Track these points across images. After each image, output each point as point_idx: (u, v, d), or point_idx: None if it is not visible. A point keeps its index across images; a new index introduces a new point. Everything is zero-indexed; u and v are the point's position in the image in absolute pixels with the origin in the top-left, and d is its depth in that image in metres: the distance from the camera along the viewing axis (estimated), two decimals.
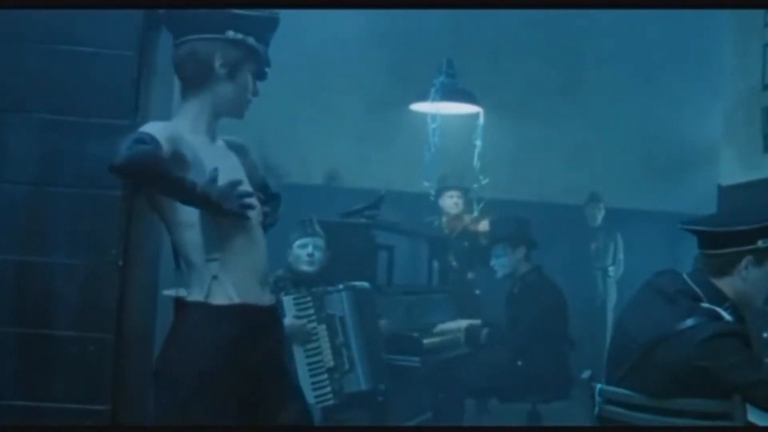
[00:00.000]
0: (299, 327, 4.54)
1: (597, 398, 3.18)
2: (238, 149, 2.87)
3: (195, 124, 2.72)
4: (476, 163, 6.11)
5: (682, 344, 2.97)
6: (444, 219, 6.31)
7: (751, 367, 2.97)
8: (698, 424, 2.95)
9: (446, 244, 6.18)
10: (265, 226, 2.87)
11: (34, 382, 2.65)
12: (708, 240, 3.17)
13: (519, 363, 5.20)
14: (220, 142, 2.82)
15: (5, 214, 2.64)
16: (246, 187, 2.67)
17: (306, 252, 4.76)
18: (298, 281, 4.74)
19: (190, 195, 2.51)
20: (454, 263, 6.16)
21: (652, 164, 7.65)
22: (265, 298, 2.78)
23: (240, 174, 2.74)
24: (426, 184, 6.04)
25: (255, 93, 2.82)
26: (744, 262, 3.12)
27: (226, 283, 2.68)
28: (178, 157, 2.56)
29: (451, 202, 6.30)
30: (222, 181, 2.55)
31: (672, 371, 2.98)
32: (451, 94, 5.99)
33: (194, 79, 2.68)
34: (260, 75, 2.82)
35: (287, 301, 4.53)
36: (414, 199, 6.15)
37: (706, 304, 3.06)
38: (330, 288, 4.67)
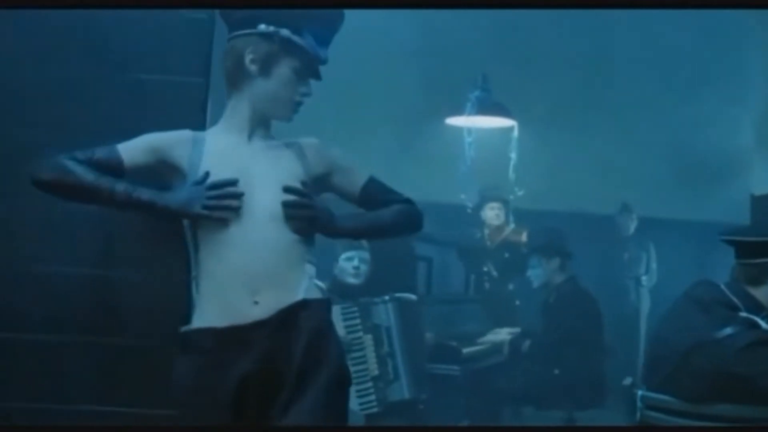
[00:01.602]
0: (345, 336, 4.61)
1: (638, 404, 3.30)
2: (296, 149, 2.69)
3: (227, 125, 2.63)
4: (511, 175, 6.21)
5: (720, 352, 3.10)
6: (486, 231, 6.39)
7: None
8: (738, 429, 3.09)
9: (481, 254, 6.29)
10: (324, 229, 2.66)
11: (104, 387, 2.77)
12: (744, 250, 3.29)
13: (555, 371, 5.30)
14: (265, 143, 2.65)
15: (81, 230, 2.76)
16: (233, 188, 2.52)
17: (352, 265, 4.86)
18: (344, 293, 4.83)
19: (118, 203, 2.49)
20: (494, 273, 6.24)
21: (684, 174, 7.59)
22: (253, 311, 2.51)
23: (279, 174, 2.59)
24: (462, 196, 6.12)
25: (305, 93, 2.64)
26: None
27: (203, 303, 2.56)
28: (164, 164, 2.55)
29: (492, 213, 6.38)
30: (248, 184, 2.52)
31: (710, 379, 3.12)
32: (486, 108, 6.08)
33: (230, 77, 2.58)
34: (307, 72, 2.62)
35: (335, 310, 4.63)
36: (450, 210, 6.23)
37: (743, 314, 3.16)
38: (376, 299, 4.76)
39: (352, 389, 4.52)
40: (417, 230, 2.87)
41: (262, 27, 2.53)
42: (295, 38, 2.55)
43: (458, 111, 6.11)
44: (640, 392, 3.33)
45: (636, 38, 7.16)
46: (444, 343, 5.16)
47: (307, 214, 2.56)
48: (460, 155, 6.15)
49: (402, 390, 4.73)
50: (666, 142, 7.70)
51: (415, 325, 4.90)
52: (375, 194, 2.72)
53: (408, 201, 2.77)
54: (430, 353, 5.05)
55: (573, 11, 6.37)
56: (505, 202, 6.38)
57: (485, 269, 6.24)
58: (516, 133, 6.22)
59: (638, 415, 3.32)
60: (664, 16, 6.46)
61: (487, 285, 6.24)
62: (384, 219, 2.71)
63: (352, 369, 4.52)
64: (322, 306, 2.61)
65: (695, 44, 7.05)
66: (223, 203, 2.49)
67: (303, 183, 2.58)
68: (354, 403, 4.55)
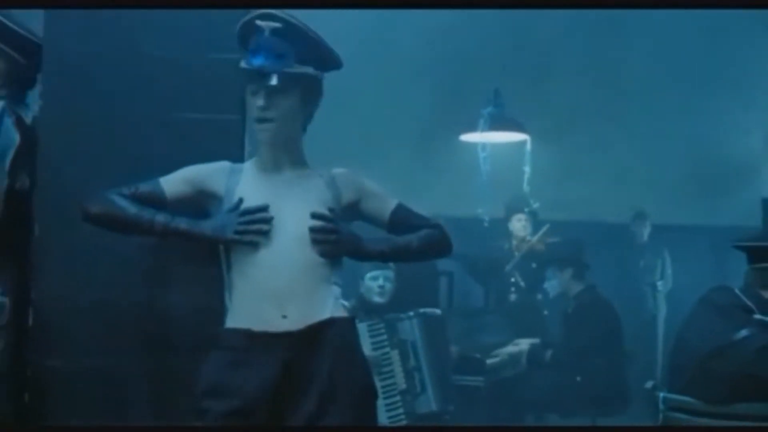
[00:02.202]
0: (372, 352, 4.74)
1: (661, 406, 3.42)
2: (327, 178, 2.82)
3: (257, 158, 2.79)
4: (526, 187, 6.26)
5: (739, 354, 3.24)
6: (514, 242, 6.42)
7: None
8: (755, 426, 3.20)
9: (499, 267, 6.33)
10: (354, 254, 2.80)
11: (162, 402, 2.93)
12: (755, 255, 3.43)
13: (578, 378, 5.38)
14: (296, 172, 2.78)
15: (129, 259, 2.92)
16: (263, 213, 2.67)
17: (377, 284, 4.99)
18: (370, 310, 4.97)
19: (158, 233, 2.66)
20: (522, 284, 6.28)
21: (695, 180, 7.66)
22: (282, 323, 2.66)
23: (308, 202, 2.71)
24: (480, 210, 6.17)
25: (260, 106, 2.69)
26: None
27: (236, 310, 2.71)
28: (203, 193, 2.72)
29: (519, 225, 6.40)
30: (281, 211, 2.67)
31: (731, 379, 3.26)
32: (499, 123, 6.13)
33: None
34: (257, 87, 2.68)
35: (361, 327, 4.70)
36: (468, 224, 6.32)
37: (758, 316, 3.29)
38: (401, 315, 4.91)
39: (381, 403, 4.73)
40: (446, 254, 2.98)
41: (242, 64, 2.69)
42: (242, 64, 2.69)
43: (472, 127, 6.17)
44: (662, 394, 3.44)
45: (645, 47, 7.21)
46: (468, 355, 5.27)
47: (332, 239, 2.70)
48: (475, 170, 6.23)
49: (429, 402, 4.87)
50: (677, 149, 7.74)
51: (440, 338, 5.03)
52: (404, 219, 2.85)
53: (437, 226, 2.88)
54: (455, 365, 5.17)
55: (583, 22, 6.47)
56: (532, 214, 6.41)
57: (512, 280, 6.28)
58: (529, 146, 6.27)
59: (660, 417, 3.43)
60: (673, 23, 6.53)
61: (513, 296, 6.26)
62: (412, 243, 2.83)
63: (380, 384, 4.74)
64: (348, 324, 2.77)
65: (704, 52, 7.09)
66: (253, 228, 2.66)
67: (331, 210, 2.72)
68: (383, 417, 4.69)
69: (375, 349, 4.79)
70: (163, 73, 2.99)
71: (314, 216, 2.69)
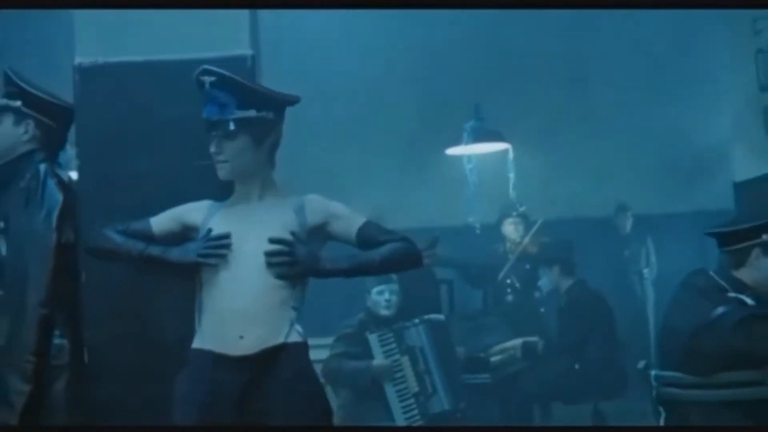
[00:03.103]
0: (384, 360, 5.05)
1: (653, 383, 3.69)
2: (297, 204, 3.03)
3: (233, 195, 3.08)
4: (511, 193, 6.55)
5: (718, 329, 3.49)
6: (507, 244, 6.66)
7: None
8: (737, 393, 3.47)
9: (494, 271, 6.59)
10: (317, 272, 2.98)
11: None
12: (724, 239, 3.71)
13: (576, 366, 5.70)
14: (273, 201, 3.03)
15: (171, 296, 3.29)
16: (224, 240, 2.93)
17: (384, 298, 5.23)
18: (379, 322, 5.23)
19: (139, 260, 3.02)
20: (517, 285, 6.53)
21: (671, 170, 7.87)
22: (239, 346, 2.88)
23: (272, 228, 2.93)
24: (470, 219, 6.43)
25: (212, 152, 2.99)
26: (754, 254, 3.61)
27: (204, 329, 2.96)
28: (185, 227, 3.05)
29: (511, 228, 6.65)
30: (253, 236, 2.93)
31: (713, 353, 3.50)
32: (481, 135, 6.45)
33: None
34: (211, 135, 2.99)
35: (372, 338, 5.07)
36: (460, 233, 6.56)
37: (732, 294, 3.56)
38: (408, 323, 5.18)
39: (398, 406, 5.03)
40: (415, 265, 3.13)
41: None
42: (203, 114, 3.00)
43: (456, 141, 6.47)
44: (653, 372, 3.70)
45: (615, 47, 7.41)
46: (473, 355, 5.58)
47: (286, 261, 2.91)
48: (463, 181, 6.50)
49: (441, 402, 5.17)
50: (652, 143, 7.97)
51: (446, 341, 5.31)
52: (372, 236, 3.01)
53: (404, 239, 3.04)
54: (462, 365, 5.46)
55: (555, 25, 6.70)
56: (523, 217, 6.66)
57: (508, 281, 6.54)
58: (511, 154, 6.56)
59: (654, 392, 3.69)
60: (642, 22, 6.75)
61: (510, 297, 6.52)
62: (374, 259, 3.00)
63: (394, 389, 5.06)
64: (300, 349, 2.96)
65: (671, 48, 7.29)
66: (215, 252, 2.94)
67: (293, 233, 2.94)
68: (400, 419, 5.03)
69: (386, 358, 5.06)
70: (186, 126, 3.29)
71: (271, 241, 2.91)
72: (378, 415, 5.10)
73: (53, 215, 3.17)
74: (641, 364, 3.88)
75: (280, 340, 2.92)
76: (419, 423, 5.09)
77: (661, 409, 3.71)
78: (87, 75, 3.43)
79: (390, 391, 5.08)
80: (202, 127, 3.02)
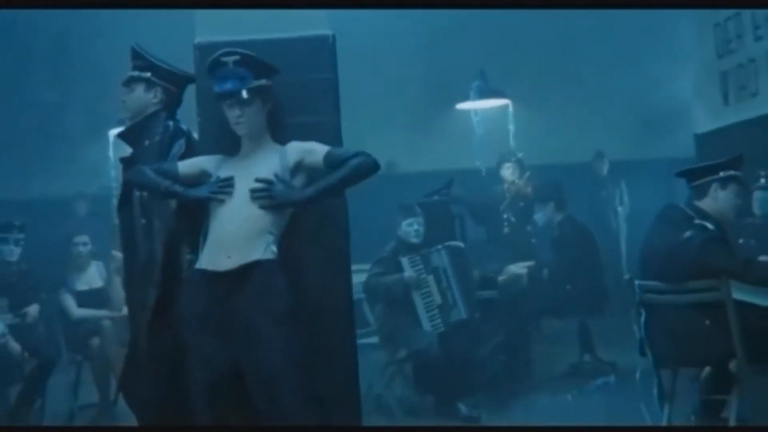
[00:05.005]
0: (414, 277, 5.89)
1: (636, 291, 4.33)
2: (281, 150, 3.56)
3: (243, 147, 3.62)
4: (511, 142, 7.45)
5: (687, 248, 4.17)
6: (505, 185, 7.44)
7: (730, 258, 4.17)
8: (701, 296, 4.09)
9: (495, 208, 7.42)
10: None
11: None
12: (689, 176, 4.38)
13: (567, 287, 6.50)
14: (269, 150, 3.55)
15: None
16: (228, 182, 3.48)
17: (413, 229, 6.01)
18: (409, 248, 6.02)
19: (165, 194, 3.56)
20: (513, 219, 7.33)
21: (642, 124, 8.56)
22: (226, 263, 3.40)
23: (261, 170, 3.48)
24: (477, 163, 7.33)
25: (235, 123, 3.56)
26: (713, 188, 4.23)
27: (204, 253, 3.49)
28: (202, 173, 3.58)
29: (508, 171, 7.43)
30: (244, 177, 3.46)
31: (684, 267, 4.17)
32: (486, 93, 7.35)
33: None
34: (225, 104, 3.56)
35: (404, 261, 5.93)
36: (468, 175, 7.37)
37: (697, 221, 4.23)
38: (432, 249, 5.98)
39: (425, 315, 5.83)
40: (373, 171, 3.51)
41: (216, 89, 3.61)
42: (215, 89, 3.56)
43: (464, 98, 7.33)
44: (637, 282, 4.31)
45: (596, 23, 8.04)
46: (485, 275, 6.37)
47: (265, 195, 3.47)
48: (471, 132, 7.39)
49: (460, 312, 5.97)
50: (626, 102, 8.76)
51: (465, 263, 6.11)
52: (335, 160, 3.49)
53: (359, 154, 3.50)
54: (477, 283, 6.22)
55: (548, 12, 7.40)
56: (518, 162, 7.41)
57: (505, 216, 7.35)
58: (511, 109, 7.44)
59: (637, 298, 4.28)
60: (618, 5, 7.25)
61: (507, 230, 7.33)
62: (333, 178, 3.48)
63: (422, 301, 5.83)
64: (271, 265, 3.46)
65: (642, 24, 7.96)
66: (222, 191, 3.53)
67: (275, 175, 3.50)
68: (427, 326, 5.85)
69: (416, 276, 5.87)
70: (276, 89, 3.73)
71: (256, 180, 3.50)
72: (408, 322, 5.89)
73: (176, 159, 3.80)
74: (627, 276, 4.55)
75: (257, 257, 3.44)
76: (442, 329, 5.83)
77: (642, 310, 4.30)
78: (205, 51, 3.80)
79: (419, 302, 5.90)
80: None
